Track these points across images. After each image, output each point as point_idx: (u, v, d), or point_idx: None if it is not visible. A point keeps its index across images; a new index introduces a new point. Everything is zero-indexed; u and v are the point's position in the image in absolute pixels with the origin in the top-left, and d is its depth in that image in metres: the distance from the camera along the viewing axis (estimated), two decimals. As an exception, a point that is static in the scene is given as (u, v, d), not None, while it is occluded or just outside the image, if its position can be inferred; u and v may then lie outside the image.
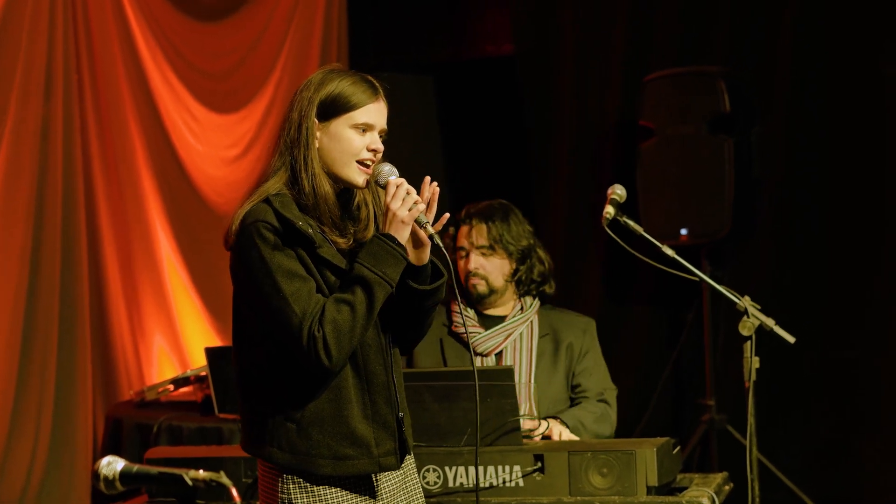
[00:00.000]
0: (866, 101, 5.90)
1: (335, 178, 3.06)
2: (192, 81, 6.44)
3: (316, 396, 2.98)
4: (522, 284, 4.26)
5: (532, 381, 4.18)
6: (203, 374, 5.53)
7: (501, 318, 4.26)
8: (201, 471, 2.76)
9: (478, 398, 3.21)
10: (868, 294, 5.89)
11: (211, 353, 5.43)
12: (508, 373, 3.82)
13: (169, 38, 6.33)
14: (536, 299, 4.30)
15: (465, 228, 4.28)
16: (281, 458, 3.00)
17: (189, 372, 5.76)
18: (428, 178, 3.07)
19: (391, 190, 3.01)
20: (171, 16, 6.35)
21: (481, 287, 4.23)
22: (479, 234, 4.24)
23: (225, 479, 2.71)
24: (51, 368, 5.68)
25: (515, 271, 4.25)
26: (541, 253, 4.30)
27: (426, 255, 3.07)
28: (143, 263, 6.22)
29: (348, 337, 2.93)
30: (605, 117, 6.43)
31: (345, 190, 3.10)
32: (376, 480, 3.10)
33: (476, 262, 4.23)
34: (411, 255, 3.04)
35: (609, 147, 6.40)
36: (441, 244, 3.04)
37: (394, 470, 3.10)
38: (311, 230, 2.97)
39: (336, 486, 3.04)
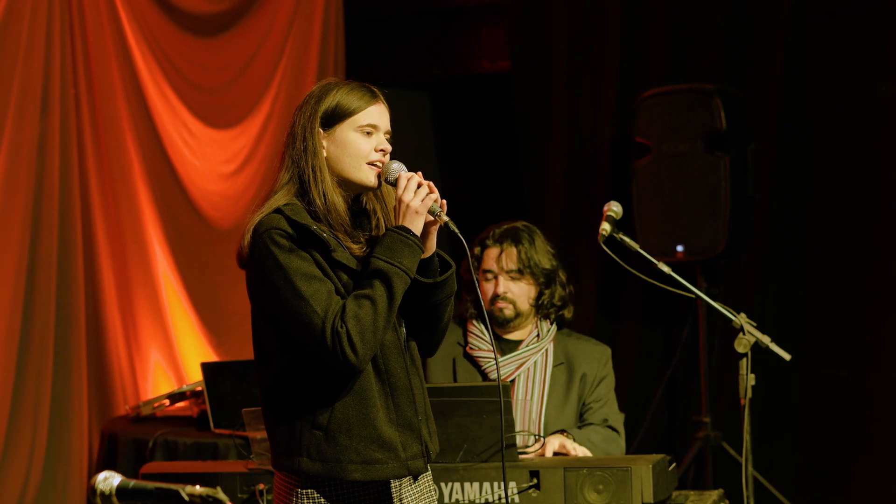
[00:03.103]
0: (858, 118, 5.92)
1: (347, 184, 3.08)
2: (188, 96, 6.45)
3: (340, 402, 2.99)
4: (543, 308, 4.24)
5: (543, 410, 4.17)
6: (199, 389, 5.54)
7: (517, 343, 4.24)
8: (198, 486, 2.76)
9: (502, 413, 3.23)
10: (861, 312, 5.90)
11: (207, 368, 5.44)
12: (504, 389, 3.82)
13: (166, 52, 6.34)
14: (554, 325, 4.28)
15: (493, 251, 4.24)
16: (311, 467, 2.99)
17: (185, 387, 5.76)
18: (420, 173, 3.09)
19: (402, 182, 3.04)
20: (168, 31, 6.36)
21: (508, 311, 4.20)
22: (508, 257, 4.21)
23: (221, 495, 2.71)
24: (46, 383, 5.68)
25: (539, 295, 4.23)
26: (562, 276, 4.28)
27: (433, 244, 3.09)
28: (139, 278, 6.22)
29: (372, 331, 2.94)
30: (599, 133, 6.45)
31: (354, 199, 3.12)
32: (399, 498, 3.10)
33: (505, 286, 4.20)
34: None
35: (603, 163, 6.42)
36: (457, 230, 3.06)
37: (422, 472, 3.11)
38: (325, 234, 2.99)
39: None
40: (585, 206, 6.37)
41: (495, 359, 3.58)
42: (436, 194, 3.05)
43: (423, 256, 3.05)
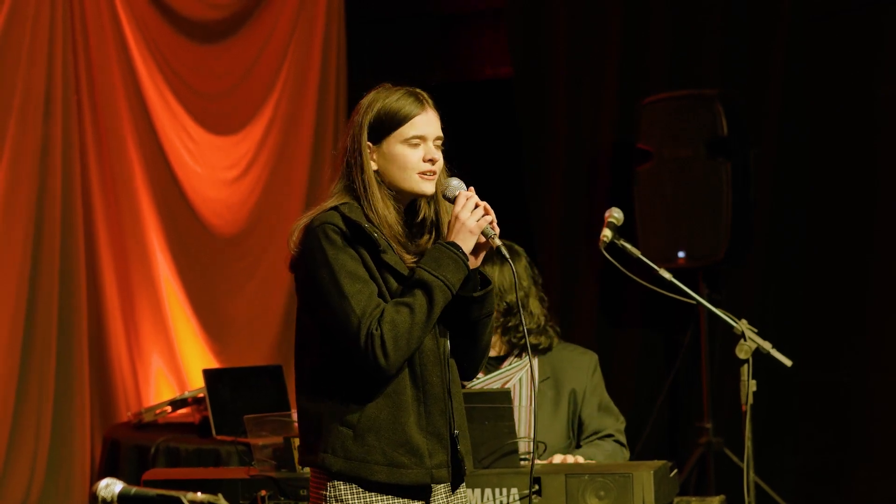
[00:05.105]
0: (858, 118, 5.93)
1: (400, 194, 3.10)
2: (190, 103, 6.45)
3: (373, 403, 3.00)
4: (506, 333, 4.13)
5: (533, 424, 4.13)
6: (201, 395, 5.54)
7: (500, 360, 4.19)
8: (199, 493, 2.77)
9: (534, 409, 3.21)
10: (861, 317, 5.91)
11: (209, 374, 5.44)
12: (506, 395, 3.82)
13: (167, 59, 6.34)
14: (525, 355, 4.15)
15: None
16: (334, 463, 3.01)
17: (187, 393, 5.77)
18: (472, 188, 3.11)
19: (461, 201, 3.06)
20: (170, 37, 6.36)
21: None
22: None
23: (223, 501, 2.72)
24: (49, 389, 5.68)
25: (503, 323, 4.12)
26: (534, 306, 4.12)
27: (477, 262, 3.11)
28: (141, 284, 6.23)
29: (406, 338, 2.96)
30: (599, 133, 6.45)
31: (410, 206, 3.14)
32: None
33: None
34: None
35: (603, 163, 6.42)
36: (508, 256, 3.10)
37: (445, 482, 3.10)
38: (376, 234, 3.02)
39: None
40: (585, 207, 6.37)
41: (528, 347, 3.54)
42: (491, 216, 3.07)
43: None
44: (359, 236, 3.01)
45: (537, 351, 4.15)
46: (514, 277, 3.21)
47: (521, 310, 3.78)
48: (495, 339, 4.15)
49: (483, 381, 4.12)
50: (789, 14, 6.03)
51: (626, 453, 4.15)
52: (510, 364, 4.15)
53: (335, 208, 3.04)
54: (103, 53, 6.04)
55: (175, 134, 6.39)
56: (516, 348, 4.14)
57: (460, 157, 7.53)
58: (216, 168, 6.57)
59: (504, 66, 6.95)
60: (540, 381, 4.13)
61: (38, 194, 5.68)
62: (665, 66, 6.31)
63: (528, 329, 4.10)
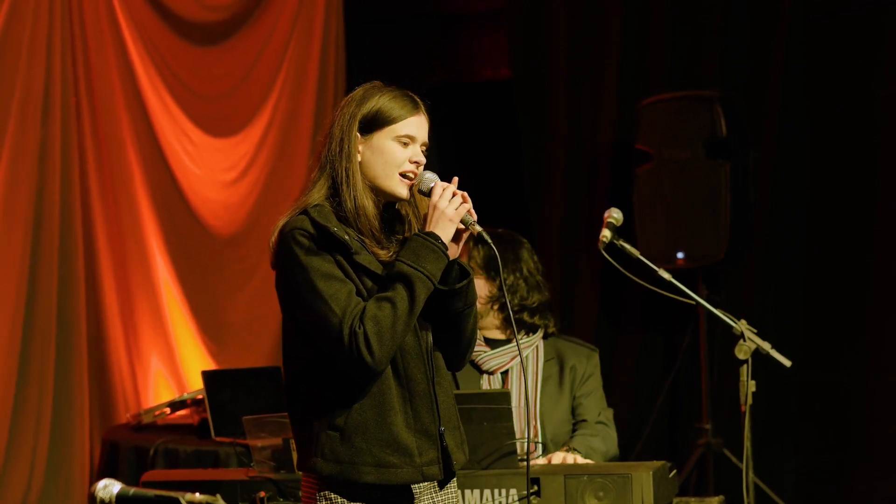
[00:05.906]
0: (858, 119, 5.93)
1: (378, 192, 3.09)
2: (188, 105, 6.44)
3: (358, 404, 2.99)
4: (503, 310, 4.23)
5: (538, 403, 4.17)
6: (199, 397, 5.54)
7: (501, 342, 4.25)
8: (198, 494, 2.77)
9: (528, 402, 3.22)
10: (861, 317, 5.90)
11: (207, 376, 5.44)
12: (505, 396, 3.82)
13: (166, 61, 6.34)
14: (540, 329, 4.28)
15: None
16: (325, 467, 3.00)
17: (186, 395, 5.76)
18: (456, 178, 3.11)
19: (438, 191, 3.06)
20: (168, 39, 6.36)
21: None
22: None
23: (221, 502, 2.71)
24: (48, 391, 5.68)
25: (498, 298, 4.21)
26: (531, 288, 4.24)
27: (456, 252, 3.10)
28: (139, 286, 6.22)
29: (390, 333, 2.94)
30: (599, 133, 6.45)
31: (388, 205, 3.13)
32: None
33: None
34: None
35: (603, 163, 6.42)
36: (491, 242, 3.09)
37: (437, 479, 3.10)
38: (347, 237, 3.00)
39: None
40: (585, 207, 6.38)
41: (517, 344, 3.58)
42: (469, 204, 3.07)
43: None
44: (328, 241, 2.99)
45: (528, 327, 4.23)
46: (499, 262, 3.22)
47: (505, 286, 3.78)
48: (496, 319, 4.20)
49: (491, 354, 4.17)
50: (789, 14, 6.03)
51: (614, 433, 4.20)
52: (520, 340, 4.21)
53: (304, 212, 3.03)
54: (102, 55, 6.04)
55: (174, 136, 6.39)
56: (522, 327, 4.23)
57: (460, 157, 7.54)
58: (215, 170, 6.57)
59: (504, 66, 6.94)
60: (545, 361, 4.19)
61: (36, 195, 5.68)
62: (665, 67, 6.31)
63: (519, 306, 4.20)
